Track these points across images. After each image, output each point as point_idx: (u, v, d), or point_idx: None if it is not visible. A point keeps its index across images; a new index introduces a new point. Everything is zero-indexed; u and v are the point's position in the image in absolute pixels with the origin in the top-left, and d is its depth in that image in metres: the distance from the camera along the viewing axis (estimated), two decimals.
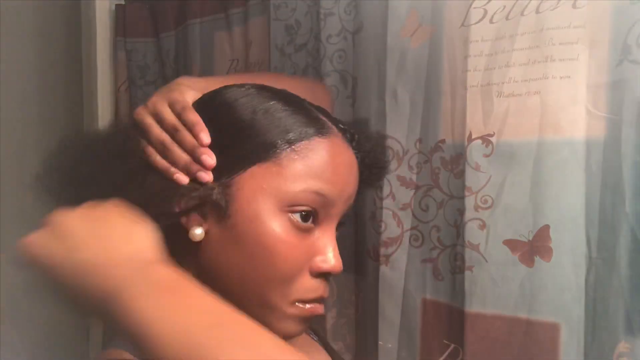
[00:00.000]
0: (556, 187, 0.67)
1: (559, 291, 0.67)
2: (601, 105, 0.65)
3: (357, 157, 0.50)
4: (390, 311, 0.81)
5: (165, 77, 1.16)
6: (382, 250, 0.81)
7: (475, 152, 0.72)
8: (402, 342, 0.81)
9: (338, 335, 0.92)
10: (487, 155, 0.71)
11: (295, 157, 0.44)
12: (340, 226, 0.49)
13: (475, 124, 0.72)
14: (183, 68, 1.12)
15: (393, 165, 0.81)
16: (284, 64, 0.95)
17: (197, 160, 0.44)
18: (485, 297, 0.71)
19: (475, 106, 0.72)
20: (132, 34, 1.19)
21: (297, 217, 0.44)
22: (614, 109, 0.64)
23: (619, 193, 0.64)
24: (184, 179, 0.44)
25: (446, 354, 0.77)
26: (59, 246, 0.37)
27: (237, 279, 0.44)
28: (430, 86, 0.78)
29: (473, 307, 0.72)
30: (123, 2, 1.22)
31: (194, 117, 0.45)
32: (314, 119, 0.47)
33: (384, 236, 0.81)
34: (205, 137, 0.44)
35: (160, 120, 0.46)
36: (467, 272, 0.72)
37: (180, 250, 0.45)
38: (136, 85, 1.20)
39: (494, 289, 0.71)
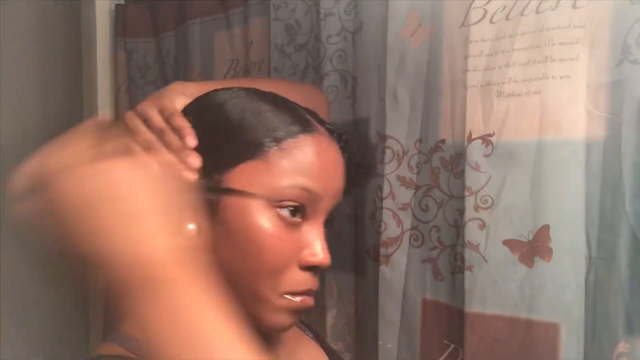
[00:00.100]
0: (556, 187, 0.67)
1: (559, 291, 0.67)
2: (601, 105, 0.65)
3: (344, 157, 0.52)
4: (390, 311, 0.82)
5: (165, 77, 1.16)
6: (382, 250, 0.81)
7: (475, 152, 0.72)
8: (402, 342, 0.81)
9: (338, 335, 0.92)
10: (487, 155, 0.71)
11: (282, 154, 0.45)
12: (329, 223, 0.50)
13: (475, 124, 0.72)
14: (183, 68, 1.12)
15: (393, 165, 0.81)
16: (284, 64, 0.96)
17: (183, 161, 0.45)
18: (485, 297, 0.71)
19: (475, 106, 0.72)
20: (132, 34, 1.19)
21: (285, 212, 0.45)
22: (614, 109, 0.64)
23: (619, 193, 0.64)
24: None
25: (446, 354, 0.77)
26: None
27: (228, 273, 0.45)
28: (430, 86, 0.78)
29: (473, 307, 0.72)
30: (123, 2, 1.22)
31: (181, 122, 0.47)
32: (300, 118, 0.48)
33: (384, 236, 0.81)
34: (192, 141, 0.46)
35: (148, 124, 0.47)
36: (467, 272, 0.72)
37: None
38: (136, 85, 1.20)
39: (494, 289, 0.71)
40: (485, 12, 0.71)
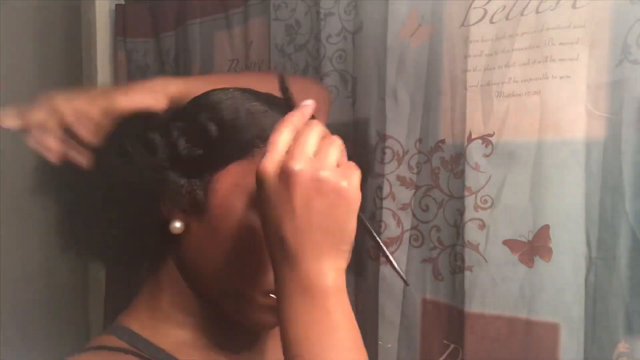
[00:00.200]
0: (556, 187, 0.67)
1: (559, 291, 0.67)
2: (601, 105, 0.65)
3: None
4: (390, 311, 0.82)
5: (165, 77, 1.16)
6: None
7: (475, 152, 0.72)
8: (402, 342, 0.81)
9: None
10: (487, 155, 0.71)
11: None
12: None
13: (475, 124, 0.72)
14: (183, 68, 1.12)
15: (393, 165, 0.81)
16: (284, 64, 0.96)
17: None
18: (485, 297, 0.71)
19: (475, 106, 0.72)
20: (132, 34, 1.19)
21: None
22: (614, 109, 0.64)
23: (619, 193, 0.64)
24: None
25: (446, 354, 0.77)
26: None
27: (214, 271, 0.47)
28: (430, 86, 0.78)
29: (473, 307, 0.72)
30: (123, 2, 1.22)
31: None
32: None
33: (384, 236, 0.81)
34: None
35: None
36: (466, 272, 0.72)
37: (162, 243, 0.48)
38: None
39: (494, 289, 0.71)
40: (485, 12, 0.71)
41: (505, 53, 0.70)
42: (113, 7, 1.22)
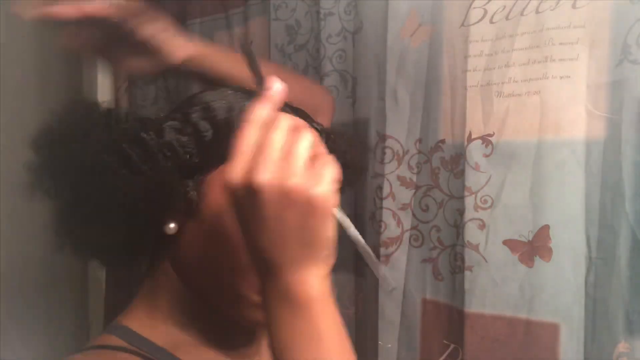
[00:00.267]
0: (556, 187, 0.67)
1: (559, 291, 0.67)
2: (601, 105, 0.65)
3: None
4: (390, 311, 0.82)
5: (165, 77, 1.16)
6: (382, 250, 0.81)
7: (475, 152, 0.72)
8: (402, 342, 0.81)
9: None
10: (487, 155, 0.71)
11: None
12: None
13: (475, 124, 0.72)
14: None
15: (393, 165, 0.81)
16: (284, 64, 0.96)
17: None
18: (485, 297, 0.71)
19: (475, 106, 0.72)
20: None
21: None
22: (614, 109, 0.64)
23: (619, 193, 0.64)
24: None
25: (446, 354, 0.77)
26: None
27: (207, 270, 0.48)
28: (430, 86, 0.78)
29: (473, 307, 0.72)
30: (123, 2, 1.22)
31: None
32: None
33: (384, 236, 0.81)
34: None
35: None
36: (466, 272, 0.72)
37: (157, 243, 0.49)
38: (136, 85, 1.20)
39: (494, 289, 0.71)
40: (485, 12, 0.71)
41: (505, 53, 0.70)
42: None
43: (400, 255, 0.81)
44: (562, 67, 0.66)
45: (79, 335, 1.20)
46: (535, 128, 0.68)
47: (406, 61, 0.79)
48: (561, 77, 0.66)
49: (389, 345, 0.82)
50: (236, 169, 0.36)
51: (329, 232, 0.37)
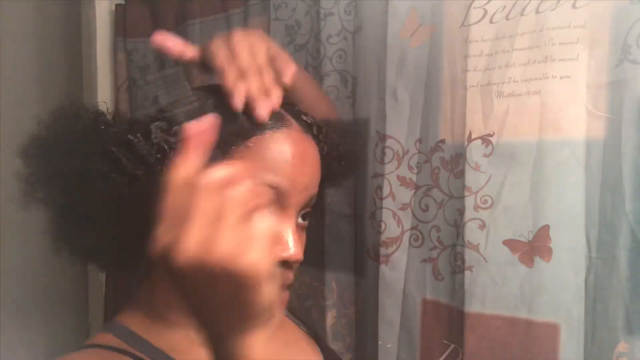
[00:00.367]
0: (556, 187, 0.67)
1: (559, 291, 0.67)
2: (601, 105, 0.65)
3: (322, 150, 0.52)
4: (390, 311, 0.82)
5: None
6: (382, 250, 0.81)
7: (475, 152, 0.72)
8: (402, 342, 0.81)
9: (338, 335, 0.92)
10: (487, 155, 0.71)
11: (247, 151, 0.46)
12: (307, 216, 0.51)
13: (475, 124, 0.72)
14: (183, 68, 1.11)
15: (393, 165, 0.81)
16: None
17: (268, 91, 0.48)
18: (485, 297, 0.71)
19: (475, 106, 0.72)
20: (132, 34, 1.19)
21: None
22: (614, 109, 0.64)
23: (619, 193, 0.64)
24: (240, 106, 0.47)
25: (446, 354, 0.77)
26: None
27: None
28: (430, 86, 0.78)
29: (473, 307, 0.72)
30: (123, 2, 1.22)
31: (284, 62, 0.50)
32: (272, 114, 0.48)
33: (384, 236, 0.81)
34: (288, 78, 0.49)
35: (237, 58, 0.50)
36: (467, 272, 0.72)
37: (149, 245, 0.47)
38: (136, 85, 1.20)
39: (494, 289, 0.71)
40: (485, 12, 0.71)
41: (505, 53, 0.70)
42: (113, 7, 1.22)
43: (400, 255, 0.81)
44: (562, 67, 0.66)
45: (79, 335, 1.20)
46: (535, 128, 0.68)
47: (406, 61, 0.79)
48: (561, 77, 0.66)
49: (389, 345, 0.82)
50: (157, 244, 0.33)
51: (265, 299, 0.34)
